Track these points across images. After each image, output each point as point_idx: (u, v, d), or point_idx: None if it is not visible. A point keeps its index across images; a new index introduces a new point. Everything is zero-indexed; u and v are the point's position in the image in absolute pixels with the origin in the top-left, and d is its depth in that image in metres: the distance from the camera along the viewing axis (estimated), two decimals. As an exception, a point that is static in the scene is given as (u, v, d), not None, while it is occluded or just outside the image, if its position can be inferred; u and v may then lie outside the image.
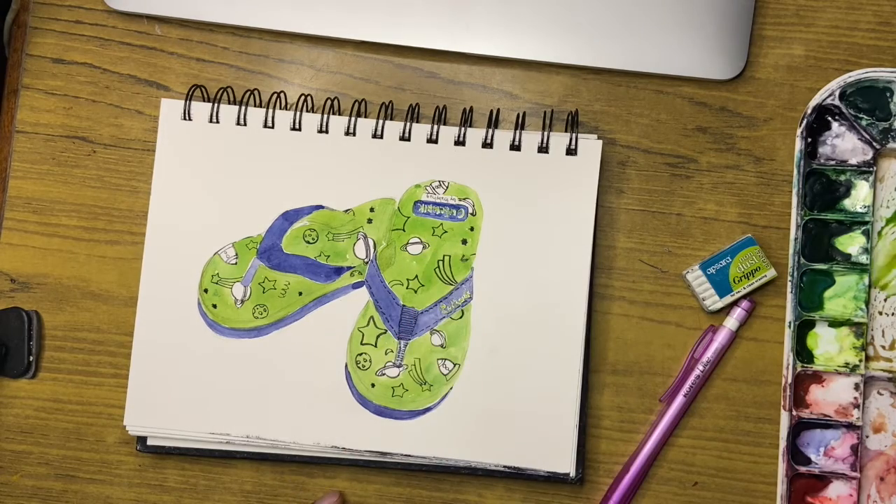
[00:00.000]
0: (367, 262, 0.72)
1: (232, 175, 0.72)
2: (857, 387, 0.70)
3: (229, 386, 0.71)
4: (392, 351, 0.72)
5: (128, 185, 0.74)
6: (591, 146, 0.72)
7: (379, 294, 0.72)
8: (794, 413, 0.70)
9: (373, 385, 0.71)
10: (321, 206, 0.72)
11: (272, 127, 0.73)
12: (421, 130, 0.73)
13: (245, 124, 0.73)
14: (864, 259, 0.71)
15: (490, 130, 0.72)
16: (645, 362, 0.73)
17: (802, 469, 0.70)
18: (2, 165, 0.74)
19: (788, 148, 0.73)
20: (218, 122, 0.73)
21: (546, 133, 0.72)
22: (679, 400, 0.71)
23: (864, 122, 0.72)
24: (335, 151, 0.73)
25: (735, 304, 0.72)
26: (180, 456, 0.73)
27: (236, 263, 0.72)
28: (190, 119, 0.73)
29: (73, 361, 0.74)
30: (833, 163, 0.72)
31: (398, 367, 0.72)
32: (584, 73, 0.74)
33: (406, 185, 0.72)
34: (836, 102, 0.72)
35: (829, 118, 0.72)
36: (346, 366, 0.71)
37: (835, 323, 0.71)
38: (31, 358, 0.73)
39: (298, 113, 0.73)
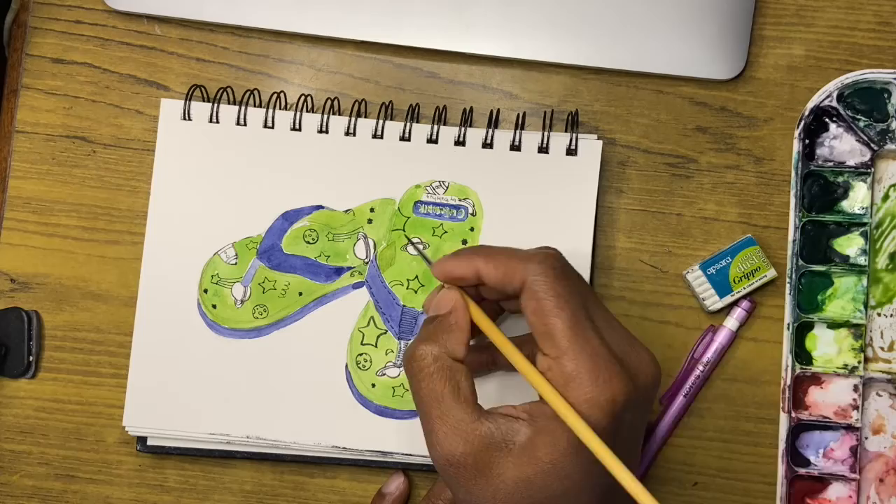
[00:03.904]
0: (367, 263, 0.72)
1: (232, 175, 0.72)
2: (856, 388, 0.71)
3: (229, 386, 0.71)
4: (392, 351, 0.72)
5: (128, 185, 0.74)
6: (591, 146, 0.72)
7: (379, 294, 0.72)
8: (793, 415, 0.71)
9: (373, 385, 0.71)
10: (321, 207, 0.72)
11: (272, 127, 0.73)
12: (421, 130, 0.73)
13: (245, 124, 0.73)
14: (862, 261, 0.71)
15: (490, 130, 0.72)
16: (644, 363, 0.73)
17: (802, 471, 0.70)
18: (2, 165, 0.74)
19: (788, 148, 0.73)
20: (218, 122, 0.73)
21: (546, 133, 0.72)
22: (679, 400, 0.72)
23: (861, 124, 0.72)
24: (335, 151, 0.73)
25: (735, 304, 0.72)
26: (180, 456, 0.73)
27: (236, 264, 0.72)
28: (190, 119, 0.73)
29: (73, 361, 0.74)
30: (831, 164, 0.72)
31: (399, 367, 0.72)
32: (584, 73, 0.74)
33: (406, 186, 0.72)
34: (834, 104, 0.72)
35: (827, 119, 0.72)
36: (347, 366, 0.72)
37: (833, 324, 0.71)
38: (31, 358, 0.73)
39: (298, 113, 0.73)
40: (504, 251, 0.61)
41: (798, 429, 0.71)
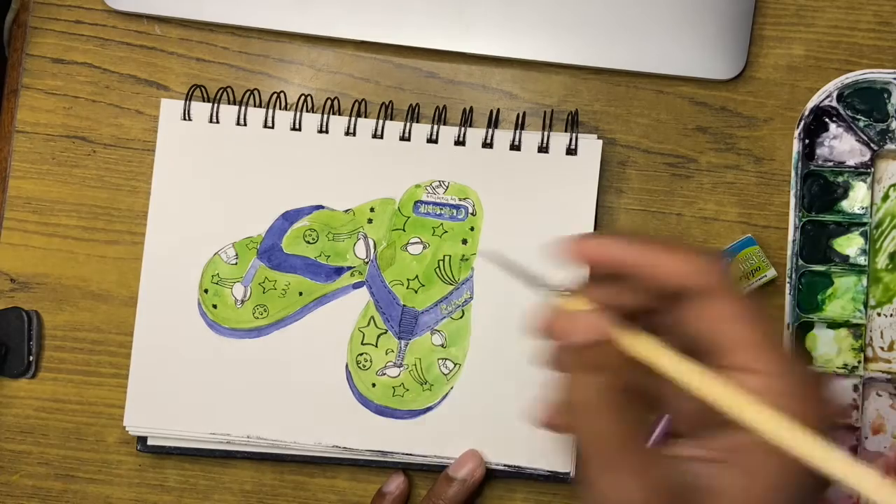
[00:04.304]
0: (367, 262, 0.72)
1: (232, 175, 0.72)
2: (855, 388, 0.71)
3: (230, 386, 0.72)
4: (392, 351, 0.72)
5: (128, 185, 0.74)
6: (591, 146, 0.72)
7: (379, 294, 0.72)
8: (793, 413, 0.71)
9: (373, 385, 0.71)
10: (321, 206, 0.72)
11: (272, 127, 0.73)
12: (421, 130, 0.73)
13: (245, 124, 0.73)
14: (862, 260, 0.71)
15: (490, 130, 0.72)
16: (644, 362, 0.73)
17: (801, 469, 0.70)
18: (2, 165, 0.74)
19: (788, 148, 0.73)
20: (218, 122, 0.73)
21: (546, 133, 0.72)
22: (678, 400, 0.72)
23: (861, 124, 0.72)
24: (335, 151, 0.73)
25: (734, 304, 0.72)
26: (180, 456, 0.73)
27: (236, 264, 0.72)
28: (190, 119, 0.73)
29: (73, 361, 0.74)
30: (831, 164, 0.72)
31: (399, 366, 0.72)
32: (584, 73, 0.74)
33: (406, 185, 0.73)
34: (834, 104, 0.72)
35: (827, 119, 0.72)
36: (347, 366, 0.72)
37: (833, 324, 0.71)
38: (31, 358, 0.73)
39: (298, 113, 0.73)
40: (665, 240, 0.51)
41: (798, 428, 0.71)
